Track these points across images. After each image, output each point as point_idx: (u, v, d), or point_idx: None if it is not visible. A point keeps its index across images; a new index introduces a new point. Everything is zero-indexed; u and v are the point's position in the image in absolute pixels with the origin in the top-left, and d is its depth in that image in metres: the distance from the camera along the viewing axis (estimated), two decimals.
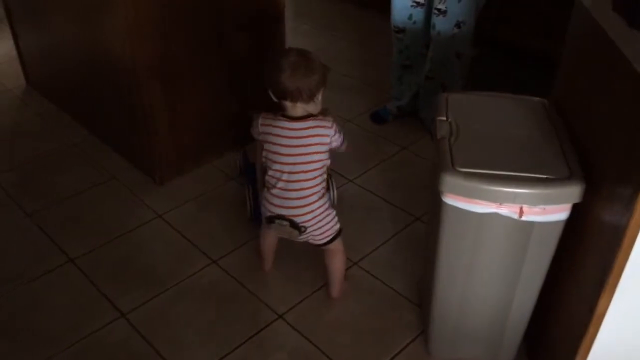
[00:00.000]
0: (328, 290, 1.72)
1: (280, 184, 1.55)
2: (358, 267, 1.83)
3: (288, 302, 1.72)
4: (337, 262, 1.68)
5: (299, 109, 1.53)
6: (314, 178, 1.55)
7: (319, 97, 1.54)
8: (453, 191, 1.22)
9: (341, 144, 1.62)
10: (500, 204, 1.21)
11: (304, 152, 1.53)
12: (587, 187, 1.18)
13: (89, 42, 2.15)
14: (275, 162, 1.55)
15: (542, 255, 1.29)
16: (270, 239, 1.75)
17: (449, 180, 1.21)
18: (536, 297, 1.37)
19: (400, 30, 2.29)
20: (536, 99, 1.46)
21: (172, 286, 1.77)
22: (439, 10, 2.11)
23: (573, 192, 1.18)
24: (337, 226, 1.64)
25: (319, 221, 1.58)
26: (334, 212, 1.63)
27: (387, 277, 1.79)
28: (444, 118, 1.39)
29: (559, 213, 1.22)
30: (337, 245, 1.65)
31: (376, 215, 2.03)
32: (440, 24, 2.14)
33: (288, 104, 1.52)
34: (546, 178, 1.19)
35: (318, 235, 1.60)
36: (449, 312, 1.44)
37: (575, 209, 1.22)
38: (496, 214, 1.23)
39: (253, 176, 2.03)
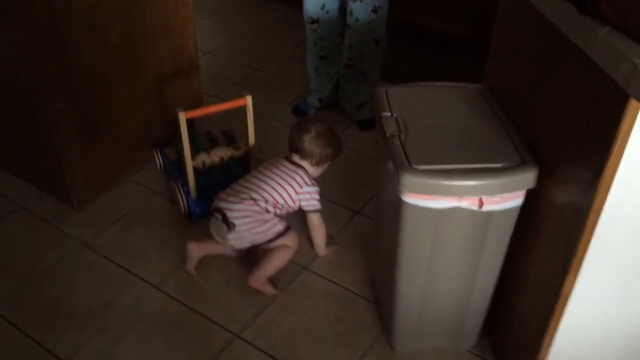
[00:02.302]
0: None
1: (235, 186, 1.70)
2: (309, 271, 1.78)
3: (241, 318, 1.63)
4: (275, 256, 1.68)
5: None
6: (266, 201, 1.66)
7: (324, 167, 1.78)
8: (412, 190, 1.20)
9: (309, 208, 1.74)
10: (461, 198, 1.20)
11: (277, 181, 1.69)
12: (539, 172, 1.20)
13: None
14: (252, 176, 1.73)
15: (500, 243, 1.31)
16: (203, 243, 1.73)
17: (408, 179, 1.18)
18: (495, 283, 1.39)
19: (314, 21, 2.24)
20: (472, 85, 1.47)
21: (112, 321, 1.62)
22: None
23: (528, 178, 1.20)
24: (278, 228, 1.68)
25: (251, 226, 1.64)
26: (277, 224, 1.69)
27: (338, 277, 1.76)
28: (389, 114, 1.36)
29: (514, 200, 1.23)
30: (281, 242, 1.69)
31: None
32: (358, 9, 2.11)
33: (296, 157, 1.74)
34: (502, 167, 1.20)
35: (253, 237, 1.66)
36: (412, 307, 1.44)
37: (529, 194, 1.24)
38: (456, 208, 1.22)
39: (177, 173, 1.94)
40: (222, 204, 1.65)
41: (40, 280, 1.74)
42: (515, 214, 1.26)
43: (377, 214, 1.67)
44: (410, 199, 1.22)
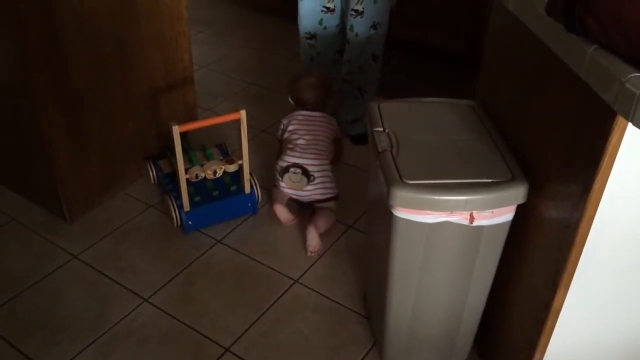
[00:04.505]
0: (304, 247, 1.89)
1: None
2: (299, 284, 1.77)
3: (233, 332, 1.63)
4: (324, 217, 1.92)
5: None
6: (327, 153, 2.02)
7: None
8: (404, 204, 1.21)
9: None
10: (452, 212, 1.21)
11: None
12: (529, 187, 1.21)
13: None
14: (300, 136, 2.01)
15: (491, 257, 1.31)
16: (280, 199, 1.97)
17: (399, 194, 1.19)
18: (486, 298, 1.39)
19: (312, 36, 2.26)
20: (463, 101, 1.48)
21: (102, 335, 1.61)
22: (356, 11, 2.10)
23: (519, 193, 1.20)
24: (335, 190, 1.99)
25: (324, 179, 1.95)
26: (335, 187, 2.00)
27: (330, 291, 1.76)
28: (381, 129, 1.37)
29: (505, 215, 1.24)
30: (332, 205, 1.96)
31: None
32: (358, 25, 2.13)
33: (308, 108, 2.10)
34: (492, 182, 1.21)
35: (321, 190, 1.95)
36: (402, 322, 1.43)
37: (519, 209, 1.25)
38: (447, 222, 1.23)
39: (170, 185, 1.94)
40: (300, 160, 1.92)
41: (30, 293, 1.73)
42: (506, 229, 1.27)
43: (368, 227, 1.67)
44: (402, 213, 1.22)
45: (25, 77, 1.70)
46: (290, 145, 1.98)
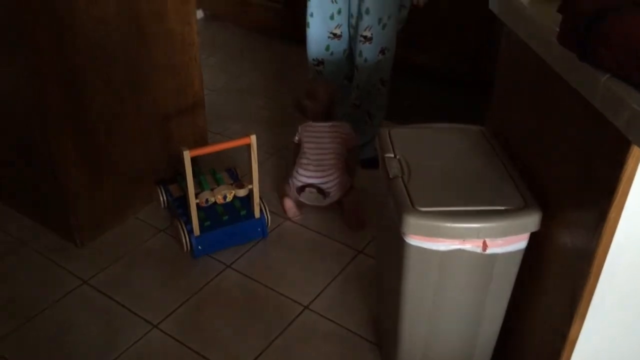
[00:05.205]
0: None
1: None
2: (309, 310, 1.76)
3: (243, 359, 1.61)
4: (351, 200, 2.08)
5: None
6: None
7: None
8: (416, 232, 1.20)
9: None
10: (464, 240, 1.20)
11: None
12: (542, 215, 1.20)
13: None
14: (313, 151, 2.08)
15: (504, 286, 1.29)
16: (290, 193, 2.11)
17: (411, 221, 1.18)
18: (500, 326, 1.37)
19: (320, 63, 2.28)
20: (474, 127, 1.48)
21: None
22: (365, 37, 2.12)
23: (532, 221, 1.19)
24: (349, 184, 2.10)
25: (339, 189, 2.07)
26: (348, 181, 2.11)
27: (340, 318, 1.74)
28: (392, 155, 1.37)
29: (518, 242, 1.23)
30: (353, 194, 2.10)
31: (318, 253, 1.97)
32: (367, 51, 2.15)
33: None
34: (505, 209, 1.20)
35: (338, 194, 2.07)
36: (415, 350, 1.41)
37: (533, 236, 1.23)
38: (460, 250, 1.22)
39: (181, 210, 1.94)
40: (313, 180, 2.03)
41: (40, 319, 1.72)
42: (520, 257, 1.26)
43: (378, 254, 1.66)
44: (414, 240, 1.21)
45: (38, 102, 1.72)
46: (304, 161, 2.06)
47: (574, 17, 0.97)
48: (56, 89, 1.73)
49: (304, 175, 2.05)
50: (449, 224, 1.17)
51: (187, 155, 1.76)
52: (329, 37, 2.21)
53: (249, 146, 1.85)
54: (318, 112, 2.10)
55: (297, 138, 2.15)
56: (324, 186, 2.04)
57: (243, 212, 1.97)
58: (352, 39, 2.21)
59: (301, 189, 2.06)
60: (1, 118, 1.94)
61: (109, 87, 1.88)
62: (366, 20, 2.09)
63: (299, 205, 2.13)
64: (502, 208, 1.20)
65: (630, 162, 0.91)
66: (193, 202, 1.83)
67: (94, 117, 1.87)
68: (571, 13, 0.98)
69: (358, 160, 2.27)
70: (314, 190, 2.05)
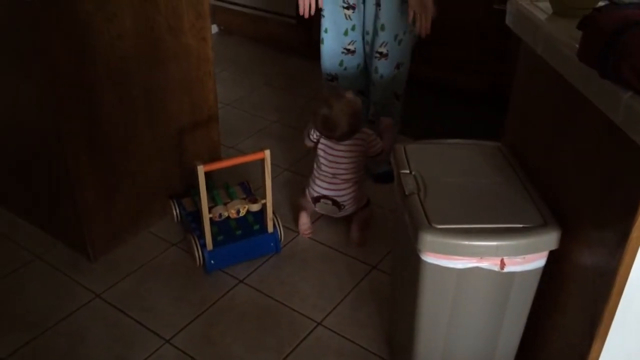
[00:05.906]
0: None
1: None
2: (322, 327, 1.74)
3: None
4: (362, 217, 2.09)
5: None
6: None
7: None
8: (432, 249, 1.18)
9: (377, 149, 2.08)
10: (482, 258, 1.18)
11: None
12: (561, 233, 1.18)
13: (2, 107, 1.95)
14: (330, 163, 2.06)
15: (522, 305, 1.27)
16: (307, 209, 2.12)
17: (428, 238, 1.17)
18: (517, 346, 1.35)
19: (333, 78, 2.28)
20: (491, 143, 1.47)
21: None
22: (380, 53, 2.12)
23: (551, 239, 1.17)
24: (365, 199, 2.11)
25: (354, 202, 2.07)
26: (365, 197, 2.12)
27: (354, 334, 1.72)
28: (407, 171, 1.36)
29: (537, 261, 1.21)
30: (366, 211, 2.12)
31: (332, 268, 1.96)
32: (383, 67, 2.15)
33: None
34: (523, 227, 1.18)
35: (353, 208, 2.08)
36: None
37: (551, 255, 1.21)
38: (477, 268, 1.20)
39: (194, 224, 1.94)
40: (328, 192, 2.03)
41: (52, 333, 1.72)
42: (538, 276, 1.24)
43: (394, 270, 1.64)
44: (430, 258, 1.20)
45: (54, 118, 1.73)
46: (318, 173, 2.06)
47: (594, 33, 0.96)
48: (72, 105, 1.74)
49: (319, 187, 2.06)
50: (466, 242, 1.16)
51: (201, 170, 1.76)
52: (342, 52, 2.21)
53: (262, 161, 1.84)
54: (343, 136, 1.98)
55: (314, 136, 2.04)
56: (339, 199, 2.05)
57: (256, 227, 1.97)
58: (367, 55, 2.21)
59: (317, 199, 2.08)
60: (18, 133, 1.95)
61: (125, 102, 1.89)
62: (382, 37, 2.10)
63: (314, 215, 2.14)
64: (521, 226, 1.18)
65: None
66: (206, 216, 1.83)
67: (110, 133, 1.88)
68: (592, 29, 0.97)
69: (395, 139, 2.19)
70: (329, 202, 2.06)
